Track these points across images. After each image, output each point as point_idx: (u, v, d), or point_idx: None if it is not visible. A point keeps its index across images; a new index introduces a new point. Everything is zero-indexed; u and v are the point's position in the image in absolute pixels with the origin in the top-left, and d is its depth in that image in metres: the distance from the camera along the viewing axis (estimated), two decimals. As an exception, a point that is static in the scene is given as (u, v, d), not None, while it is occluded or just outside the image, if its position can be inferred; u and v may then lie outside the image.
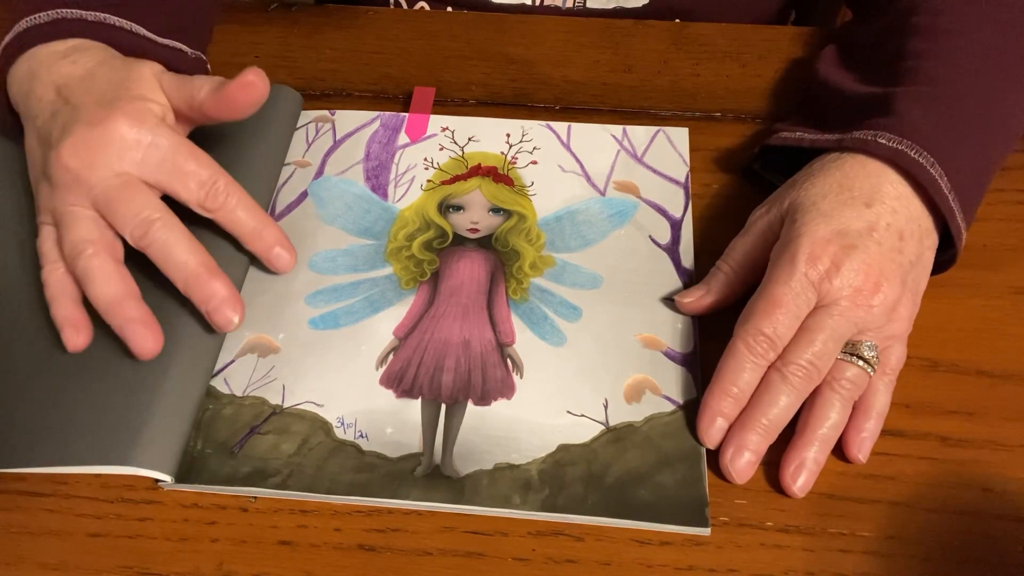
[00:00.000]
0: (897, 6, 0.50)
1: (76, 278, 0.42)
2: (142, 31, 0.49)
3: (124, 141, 0.42)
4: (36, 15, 0.47)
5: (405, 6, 0.66)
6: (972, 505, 0.39)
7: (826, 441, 0.40)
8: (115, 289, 0.41)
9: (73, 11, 0.47)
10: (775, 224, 0.43)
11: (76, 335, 0.42)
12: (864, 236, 0.40)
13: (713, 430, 0.40)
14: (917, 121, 0.43)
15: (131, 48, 0.48)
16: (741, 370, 0.40)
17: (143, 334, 0.41)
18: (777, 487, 0.40)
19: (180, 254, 0.42)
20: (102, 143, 0.42)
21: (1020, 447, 0.41)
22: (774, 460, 0.40)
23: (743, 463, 0.39)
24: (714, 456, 0.40)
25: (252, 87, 0.43)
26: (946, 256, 0.44)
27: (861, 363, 0.40)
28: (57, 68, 0.45)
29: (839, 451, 0.41)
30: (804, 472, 0.39)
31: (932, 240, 0.43)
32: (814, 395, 0.40)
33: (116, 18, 0.48)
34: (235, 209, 0.44)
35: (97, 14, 0.47)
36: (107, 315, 0.41)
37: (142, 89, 0.44)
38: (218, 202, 0.43)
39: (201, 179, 0.43)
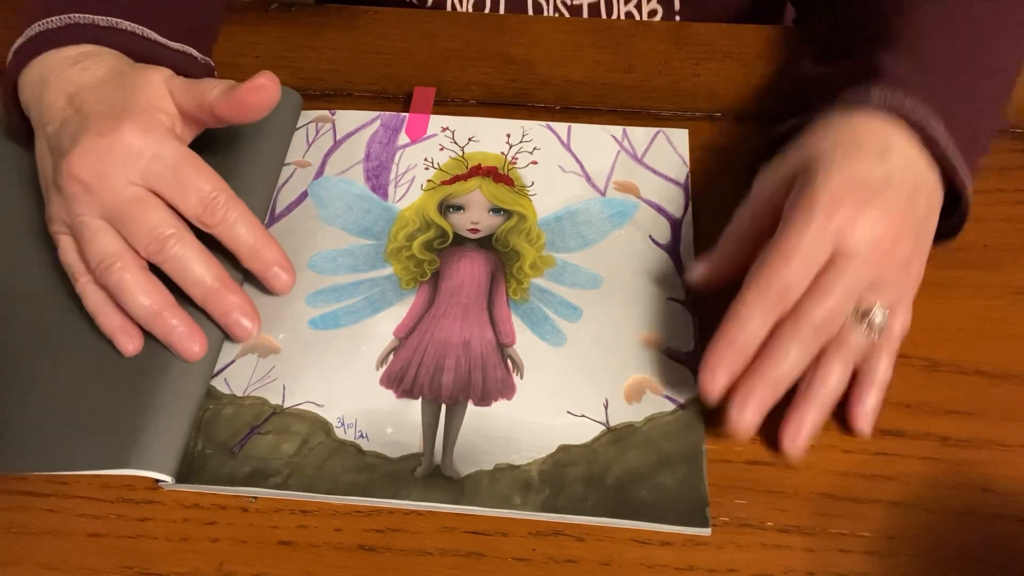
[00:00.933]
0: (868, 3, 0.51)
1: (108, 292, 0.42)
2: (154, 36, 0.49)
3: (129, 152, 0.42)
4: (48, 20, 0.47)
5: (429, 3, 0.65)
6: (972, 505, 0.39)
7: (825, 404, 0.39)
8: (152, 300, 0.42)
9: (85, 16, 0.47)
10: (787, 177, 0.42)
11: (130, 341, 0.42)
12: (882, 187, 0.39)
13: (714, 383, 0.38)
14: (904, 75, 0.43)
15: (143, 53, 0.48)
16: (749, 319, 0.38)
17: (189, 341, 0.42)
18: (778, 487, 0.40)
19: (196, 269, 0.42)
20: (109, 154, 0.42)
21: (1020, 447, 0.41)
22: (774, 460, 0.40)
23: (749, 416, 0.38)
24: (715, 456, 0.40)
25: (264, 90, 0.43)
26: (952, 221, 0.44)
27: (867, 327, 0.39)
28: (68, 75, 0.45)
29: (841, 451, 0.40)
30: (803, 434, 0.39)
31: (938, 199, 0.42)
32: (817, 355, 0.39)
33: (128, 23, 0.48)
34: (234, 225, 0.43)
35: (109, 19, 0.47)
36: (149, 326, 0.42)
37: (151, 98, 0.44)
38: (216, 217, 0.43)
39: (201, 193, 0.42)
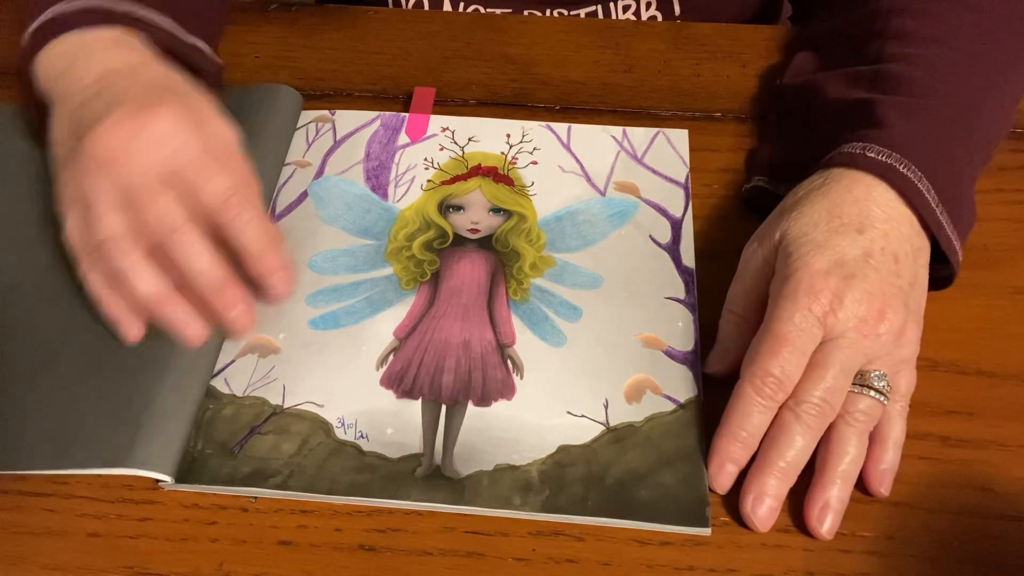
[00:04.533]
0: (873, 6, 0.50)
1: (108, 275, 0.42)
2: (169, 25, 0.49)
3: (159, 133, 0.41)
4: (64, 3, 0.46)
5: (408, 5, 0.66)
6: (972, 505, 0.39)
7: (847, 477, 0.38)
8: (155, 285, 0.41)
9: (101, 2, 0.47)
10: (770, 258, 0.42)
11: (132, 327, 0.42)
12: (862, 264, 0.39)
13: (723, 475, 0.39)
14: (904, 134, 0.43)
15: (159, 43, 0.48)
16: (750, 413, 0.38)
17: (194, 326, 0.42)
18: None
19: (204, 259, 0.42)
20: (138, 132, 0.41)
21: (1020, 447, 0.41)
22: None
23: (765, 510, 0.38)
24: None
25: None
26: (944, 273, 0.44)
27: (873, 393, 0.39)
28: (102, 55, 0.45)
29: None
30: (830, 513, 0.38)
31: (925, 258, 0.42)
32: (829, 431, 0.39)
33: (144, 10, 0.48)
34: (246, 225, 0.42)
35: (124, 4, 0.47)
36: (151, 311, 0.42)
37: (192, 90, 0.44)
38: (231, 213, 0.42)
39: (219, 188, 0.42)
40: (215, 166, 0.42)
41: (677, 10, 0.65)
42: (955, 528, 0.39)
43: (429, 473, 0.40)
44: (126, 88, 0.43)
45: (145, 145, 0.41)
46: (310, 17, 0.62)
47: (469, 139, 0.54)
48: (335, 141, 0.54)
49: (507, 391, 0.43)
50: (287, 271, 0.44)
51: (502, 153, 0.53)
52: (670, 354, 0.44)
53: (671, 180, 0.51)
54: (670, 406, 0.42)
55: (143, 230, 0.41)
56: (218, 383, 0.43)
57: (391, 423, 0.42)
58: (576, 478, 0.40)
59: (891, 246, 0.40)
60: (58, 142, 0.45)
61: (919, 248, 0.42)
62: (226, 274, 0.42)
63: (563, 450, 0.41)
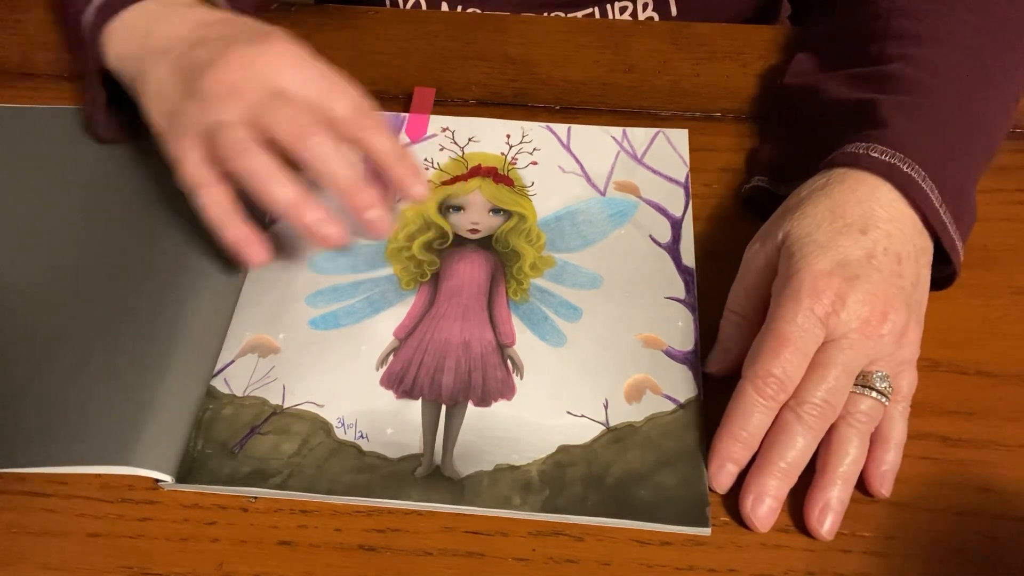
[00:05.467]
0: (873, 7, 0.50)
1: (242, 175, 0.41)
2: (224, 5, 0.50)
3: (283, 57, 0.43)
4: None
5: (407, 5, 0.66)
6: (972, 505, 0.39)
7: (848, 478, 0.38)
8: (291, 190, 0.41)
9: None
10: (772, 258, 0.42)
11: (259, 251, 0.42)
12: (864, 264, 0.39)
13: (723, 475, 0.39)
14: (907, 133, 0.43)
15: None
16: (751, 414, 0.38)
17: (331, 228, 0.41)
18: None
19: (339, 164, 0.41)
20: (263, 57, 0.43)
21: (1020, 447, 0.41)
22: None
23: (765, 510, 0.38)
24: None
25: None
26: (945, 272, 0.44)
27: (874, 394, 0.39)
28: (185, 13, 0.47)
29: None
30: (830, 514, 0.38)
31: (927, 258, 0.42)
32: (830, 432, 0.39)
33: None
34: (381, 134, 0.43)
35: None
36: (287, 216, 0.41)
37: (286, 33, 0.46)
38: (364, 123, 0.43)
39: (353, 100, 0.43)
40: (339, 81, 0.44)
41: (674, 11, 0.65)
42: (955, 528, 0.39)
43: (429, 473, 0.40)
44: (228, 32, 0.45)
45: (269, 65, 0.43)
46: (310, 17, 0.62)
47: (469, 139, 0.54)
48: (335, 141, 0.54)
49: (507, 391, 0.43)
50: (423, 174, 0.45)
51: (502, 153, 0.53)
52: (670, 354, 0.44)
53: (671, 180, 0.51)
54: (670, 406, 0.42)
55: (280, 135, 0.41)
56: (218, 383, 0.43)
57: (391, 423, 0.42)
58: (576, 478, 0.40)
59: (894, 246, 0.40)
60: (162, 92, 0.45)
61: (922, 248, 0.42)
62: (359, 180, 0.42)
63: (563, 450, 0.41)
